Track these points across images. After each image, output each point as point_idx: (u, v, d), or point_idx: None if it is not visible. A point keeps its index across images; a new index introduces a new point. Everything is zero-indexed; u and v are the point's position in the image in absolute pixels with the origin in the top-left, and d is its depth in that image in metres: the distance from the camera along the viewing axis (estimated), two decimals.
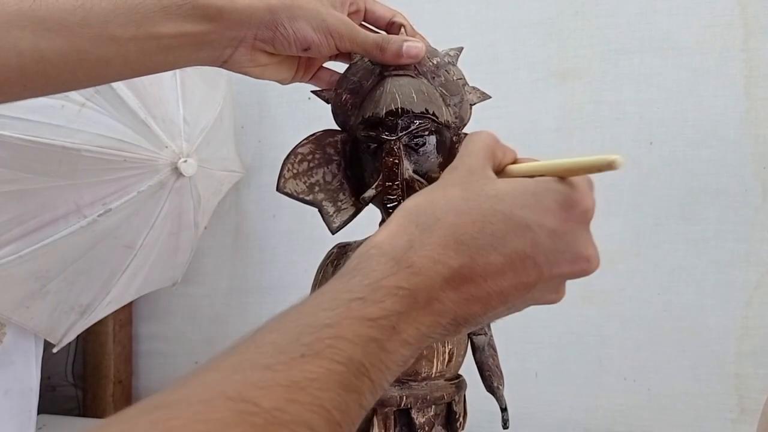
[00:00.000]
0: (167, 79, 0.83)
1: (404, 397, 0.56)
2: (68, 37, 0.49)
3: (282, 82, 0.58)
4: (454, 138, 0.56)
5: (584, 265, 0.40)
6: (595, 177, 0.96)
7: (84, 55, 0.49)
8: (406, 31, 0.57)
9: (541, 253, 0.38)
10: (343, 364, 0.32)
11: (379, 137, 0.52)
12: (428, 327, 0.36)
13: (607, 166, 0.38)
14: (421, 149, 0.53)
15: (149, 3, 0.50)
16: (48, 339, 0.87)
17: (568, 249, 0.39)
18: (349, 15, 0.55)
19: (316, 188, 0.57)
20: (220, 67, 0.54)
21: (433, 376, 0.57)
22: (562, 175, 0.40)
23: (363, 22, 0.58)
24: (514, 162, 0.44)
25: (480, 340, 0.60)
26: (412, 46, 0.53)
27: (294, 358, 0.32)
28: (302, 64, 0.58)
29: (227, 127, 0.99)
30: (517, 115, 0.93)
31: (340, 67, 0.59)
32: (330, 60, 0.59)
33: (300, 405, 0.30)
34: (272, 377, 0.31)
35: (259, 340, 0.33)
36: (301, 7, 0.51)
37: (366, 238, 0.39)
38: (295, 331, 0.33)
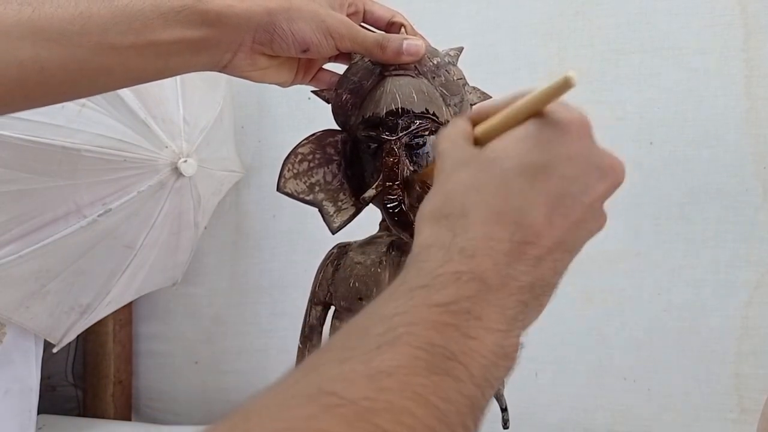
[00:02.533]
0: (167, 79, 0.83)
1: None
2: (68, 47, 0.49)
3: (282, 84, 0.58)
4: None
5: (612, 175, 0.38)
6: None
7: (84, 64, 0.50)
8: (406, 31, 0.57)
9: (571, 184, 0.37)
10: (424, 349, 0.31)
11: (379, 137, 0.52)
12: (514, 308, 0.35)
13: (566, 85, 0.36)
14: (421, 149, 0.53)
15: (148, 10, 0.50)
16: (48, 339, 0.87)
17: (592, 167, 0.38)
18: (348, 16, 0.56)
19: (317, 188, 0.57)
20: (221, 71, 0.54)
21: None
22: (535, 114, 0.39)
23: (362, 23, 0.58)
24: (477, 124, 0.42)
25: None
26: (412, 44, 0.53)
27: (370, 350, 0.30)
28: (302, 66, 0.58)
29: (227, 127, 0.99)
30: None
31: (340, 68, 0.59)
32: (330, 61, 0.59)
33: (391, 392, 0.29)
34: (352, 369, 0.30)
35: (327, 345, 0.32)
36: (299, 9, 0.51)
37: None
38: (363, 327, 0.32)
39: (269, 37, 0.51)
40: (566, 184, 0.37)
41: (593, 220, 0.39)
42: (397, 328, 0.32)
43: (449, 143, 0.41)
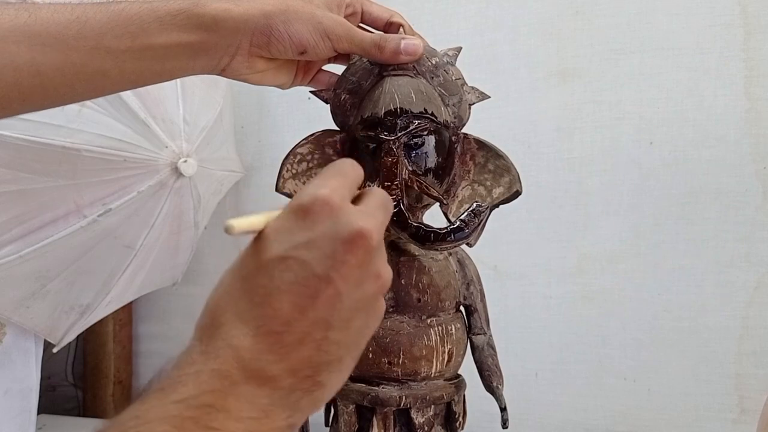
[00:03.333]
0: None
1: (404, 397, 0.56)
2: (64, 51, 0.49)
3: (281, 87, 0.58)
4: (452, 138, 0.56)
5: (362, 241, 0.37)
6: (593, 178, 0.96)
7: (80, 68, 0.50)
8: (404, 31, 0.57)
9: (315, 265, 0.36)
10: None
11: (377, 137, 0.53)
12: (270, 396, 0.35)
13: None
14: (419, 149, 0.53)
15: (144, 14, 0.50)
16: (48, 339, 0.87)
17: (336, 242, 0.37)
18: (347, 17, 0.56)
19: None
20: (219, 75, 0.54)
21: (432, 375, 0.57)
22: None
23: (361, 24, 0.58)
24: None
25: (479, 339, 0.60)
26: (410, 44, 0.53)
27: None
28: (301, 68, 0.58)
29: (227, 127, 0.99)
30: (517, 115, 0.92)
31: (339, 69, 0.59)
32: (330, 62, 0.59)
33: None
34: None
35: None
36: (296, 11, 0.51)
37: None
38: None
39: (266, 40, 0.51)
40: (308, 266, 0.36)
41: (357, 289, 0.38)
42: (128, 429, 0.32)
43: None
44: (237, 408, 0.34)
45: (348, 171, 0.41)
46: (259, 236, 0.38)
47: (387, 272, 0.40)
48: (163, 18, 0.50)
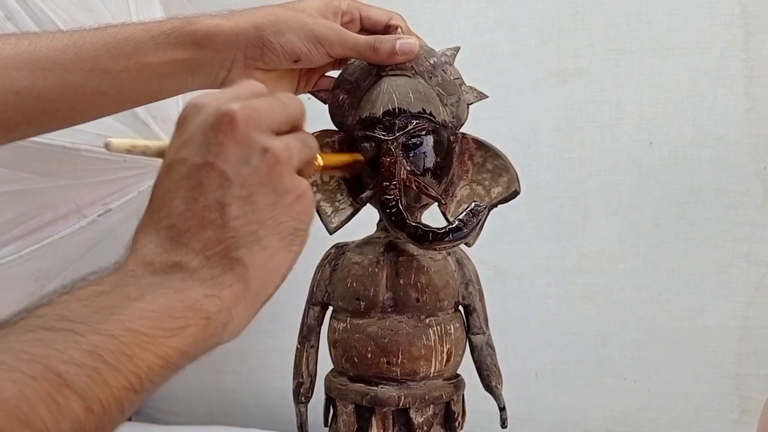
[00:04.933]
0: None
1: (402, 397, 0.56)
2: (62, 74, 0.51)
3: None
4: (451, 138, 0.56)
5: (224, 120, 0.38)
6: (593, 178, 0.96)
7: (80, 89, 0.52)
8: (402, 31, 0.57)
9: (193, 157, 0.38)
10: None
11: (376, 137, 0.53)
12: (181, 278, 0.36)
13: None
14: (418, 149, 0.53)
15: (138, 35, 0.52)
16: None
17: (206, 133, 0.39)
18: (345, 25, 0.56)
19: (314, 188, 0.57)
20: (219, 89, 0.55)
21: (431, 375, 0.57)
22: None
23: (363, 30, 0.59)
24: None
25: (478, 339, 0.60)
26: (405, 43, 0.53)
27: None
28: (303, 76, 0.59)
29: None
30: (517, 115, 0.92)
31: None
32: (332, 69, 0.59)
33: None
34: None
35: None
36: (286, 21, 0.52)
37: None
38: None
39: (259, 52, 0.52)
40: (187, 161, 0.38)
41: (244, 165, 0.38)
42: (17, 322, 0.33)
43: None
44: (137, 292, 0.35)
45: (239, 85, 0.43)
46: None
47: (277, 146, 0.40)
48: (157, 37, 0.52)
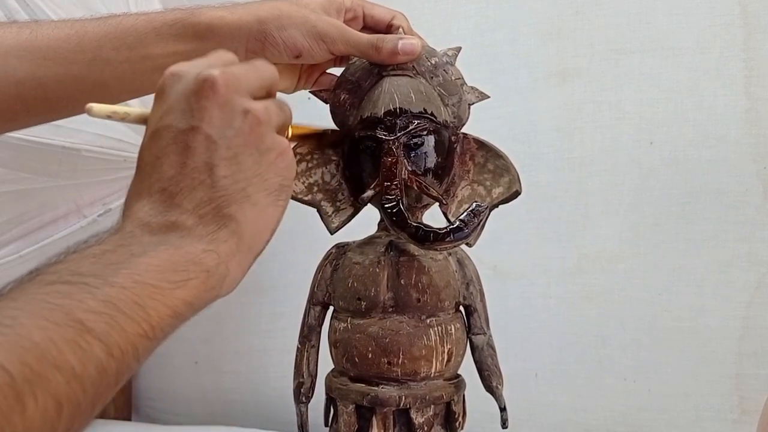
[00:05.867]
0: None
1: (403, 397, 0.56)
2: (64, 64, 0.51)
3: (285, 91, 0.59)
4: (452, 138, 0.56)
5: (207, 85, 0.40)
6: (593, 178, 0.96)
7: (80, 79, 0.52)
8: (403, 31, 0.57)
9: (177, 123, 0.40)
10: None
11: (377, 137, 0.53)
12: (178, 236, 0.38)
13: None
14: (419, 149, 0.53)
15: (141, 26, 0.52)
16: None
17: (186, 100, 0.41)
18: (348, 22, 0.56)
19: (315, 188, 0.57)
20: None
21: (432, 375, 0.57)
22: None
23: (365, 28, 0.59)
24: None
25: (479, 339, 0.60)
26: (407, 43, 0.53)
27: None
28: (304, 72, 0.59)
29: None
30: (517, 115, 0.92)
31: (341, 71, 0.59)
32: (333, 66, 0.59)
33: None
34: None
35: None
36: (289, 16, 0.52)
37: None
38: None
39: (261, 46, 0.52)
40: (173, 128, 0.40)
41: (228, 127, 0.41)
42: (26, 281, 0.35)
43: None
44: (140, 249, 0.37)
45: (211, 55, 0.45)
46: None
47: (256, 108, 0.42)
48: (160, 28, 0.52)
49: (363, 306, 0.56)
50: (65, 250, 0.38)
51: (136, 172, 0.42)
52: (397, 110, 0.52)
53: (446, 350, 0.57)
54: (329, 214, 0.58)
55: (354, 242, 0.60)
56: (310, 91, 0.60)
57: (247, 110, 0.41)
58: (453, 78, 0.57)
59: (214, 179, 0.40)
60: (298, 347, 0.61)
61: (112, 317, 0.33)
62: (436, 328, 0.56)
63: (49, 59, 0.50)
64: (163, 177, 0.40)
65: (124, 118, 0.45)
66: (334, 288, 0.58)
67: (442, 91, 0.56)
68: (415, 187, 0.53)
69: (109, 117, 0.45)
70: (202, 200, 0.39)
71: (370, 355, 0.55)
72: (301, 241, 1.02)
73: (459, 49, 0.59)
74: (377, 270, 0.56)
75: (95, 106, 0.44)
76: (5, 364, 0.29)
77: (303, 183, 0.57)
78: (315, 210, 0.58)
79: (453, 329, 0.57)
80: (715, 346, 0.86)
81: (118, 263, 0.36)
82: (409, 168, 0.53)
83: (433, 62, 0.56)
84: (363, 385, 0.57)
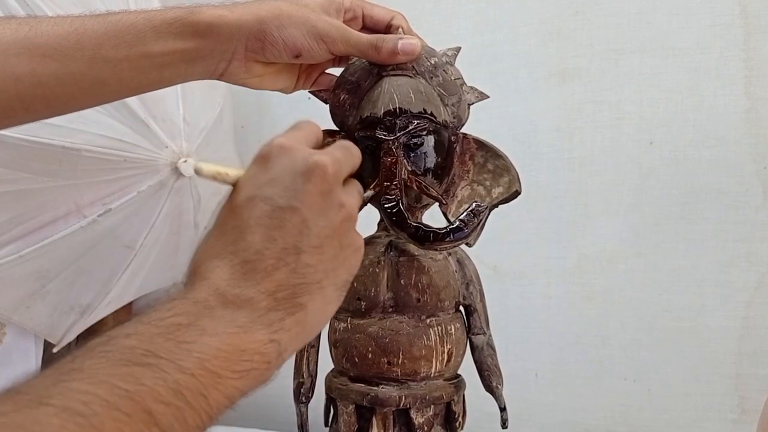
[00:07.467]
0: None
1: (403, 397, 0.56)
2: (63, 61, 0.51)
3: (284, 91, 0.59)
4: (452, 138, 0.56)
5: (318, 170, 0.42)
6: (593, 178, 0.96)
7: (80, 77, 0.51)
8: (403, 31, 0.57)
9: (278, 199, 0.41)
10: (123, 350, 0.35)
11: (376, 137, 0.52)
12: (248, 316, 0.38)
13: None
14: (419, 149, 0.53)
15: (140, 23, 0.51)
16: (48, 339, 0.87)
17: (294, 176, 0.41)
18: (347, 22, 0.56)
19: None
20: (218, 80, 0.55)
21: (432, 375, 0.57)
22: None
23: (365, 28, 0.58)
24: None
25: (479, 339, 0.60)
26: (407, 43, 0.53)
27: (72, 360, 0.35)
28: (303, 72, 0.59)
29: (227, 127, 0.99)
30: (517, 115, 0.92)
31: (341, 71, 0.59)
32: (332, 66, 0.59)
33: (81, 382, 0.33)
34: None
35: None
36: (290, 15, 0.52)
37: None
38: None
39: (261, 45, 0.52)
40: (272, 201, 0.41)
41: (322, 216, 0.42)
42: (95, 347, 0.35)
43: None
44: (212, 326, 0.37)
45: (303, 126, 0.47)
46: (231, 190, 0.44)
47: (351, 203, 0.44)
48: (159, 26, 0.51)
49: (363, 306, 0.56)
50: (140, 313, 0.38)
51: (216, 228, 0.41)
52: (397, 110, 0.52)
53: (446, 350, 0.57)
54: None
55: None
56: (309, 91, 0.60)
57: (342, 204, 0.43)
58: (452, 78, 0.57)
59: (298, 265, 0.40)
60: None
61: (179, 408, 0.34)
62: (436, 328, 0.56)
63: (48, 56, 0.50)
64: (250, 248, 0.40)
65: (224, 180, 0.45)
66: None
67: (441, 91, 0.55)
68: (415, 187, 0.53)
69: (213, 178, 0.45)
70: (282, 283, 0.39)
71: (370, 355, 0.55)
72: None
73: (459, 49, 0.59)
74: (377, 270, 0.56)
75: (204, 167, 0.45)
76: None
77: None
78: None
79: (453, 329, 0.57)
80: (715, 346, 0.86)
81: (189, 343, 0.36)
82: (409, 168, 0.53)
83: (432, 62, 0.56)
84: (363, 385, 0.57)
